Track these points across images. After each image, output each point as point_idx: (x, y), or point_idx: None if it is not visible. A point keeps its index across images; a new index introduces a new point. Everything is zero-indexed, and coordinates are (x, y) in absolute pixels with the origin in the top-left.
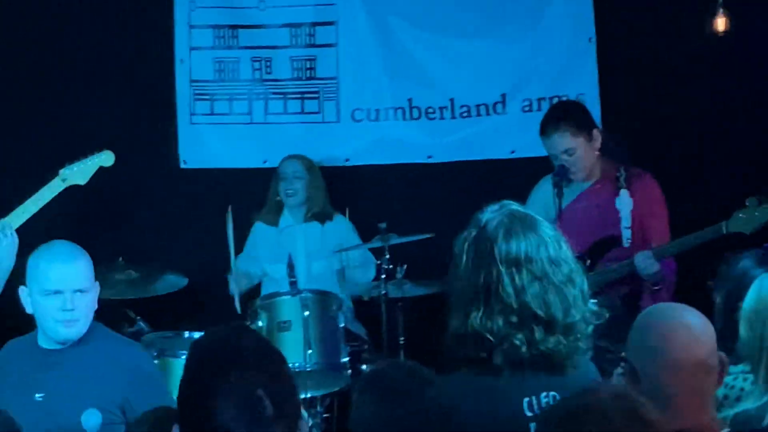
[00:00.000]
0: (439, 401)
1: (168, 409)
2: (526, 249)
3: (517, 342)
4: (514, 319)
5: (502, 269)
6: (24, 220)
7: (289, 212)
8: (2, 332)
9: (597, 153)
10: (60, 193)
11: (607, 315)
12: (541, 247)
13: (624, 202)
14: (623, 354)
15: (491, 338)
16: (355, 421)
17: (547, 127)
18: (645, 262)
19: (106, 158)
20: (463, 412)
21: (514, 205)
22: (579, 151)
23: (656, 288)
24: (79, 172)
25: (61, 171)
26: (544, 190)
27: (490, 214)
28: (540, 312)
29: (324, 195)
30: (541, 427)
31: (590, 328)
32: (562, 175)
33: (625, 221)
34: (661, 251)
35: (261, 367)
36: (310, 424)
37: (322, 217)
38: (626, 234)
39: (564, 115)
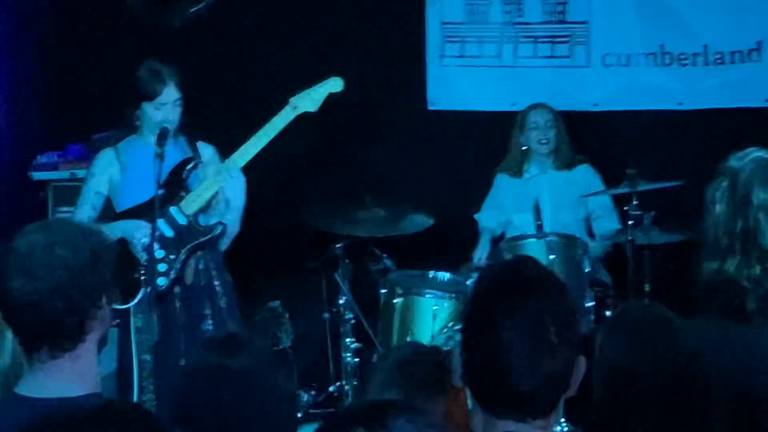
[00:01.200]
0: (687, 346)
1: (413, 345)
2: None
3: None
4: None
5: (761, 216)
6: (257, 150)
7: (535, 162)
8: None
9: None
10: (312, 134)
11: None
12: None
13: None
14: None
15: (748, 285)
16: (600, 362)
17: None
18: None
19: (334, 84)
20: (710, 359)
21: (760, 152)
22: None
23: None
24: (309, 99)
25: (291, 99)
26: None
27: (740, 162)
28: None
29: (570, 144)
30: None
31: None
32: None
33: None
34: None
35: (548, 294)
36: None
37: (569, 166)
38: None
39: None
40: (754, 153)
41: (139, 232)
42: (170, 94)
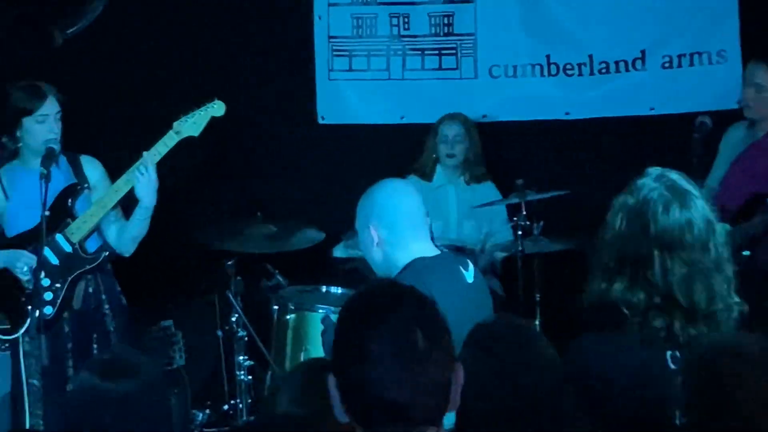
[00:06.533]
0: (539, 356)
1: (320, 360)
2: (679, 230)
3: (657, 325)
4: (657, 299)
5: (654, 249)
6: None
7: (442, 171)
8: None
9: None
10: (202, 151)
11: (746, 308)
12: (694, 228)
13: None
14: None
15: (627, 312)
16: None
17: None
18: None
19: (217, 108)
20: (604, 367)
21: (674, 174)
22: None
23: None
24: (192, 124)
25: (175, 123)
26: (733, 136)
27: (651, 183)
28: (682, 299)
29: (481, 158)
30: (685, 370)
31: (734, 317)
32: None
33: None
34: None
35: (413, 305)
36: None
37: (478, 180)
38: None
39: None
40: (669, 176)
41: (20, 261)
42: (51, 106)
